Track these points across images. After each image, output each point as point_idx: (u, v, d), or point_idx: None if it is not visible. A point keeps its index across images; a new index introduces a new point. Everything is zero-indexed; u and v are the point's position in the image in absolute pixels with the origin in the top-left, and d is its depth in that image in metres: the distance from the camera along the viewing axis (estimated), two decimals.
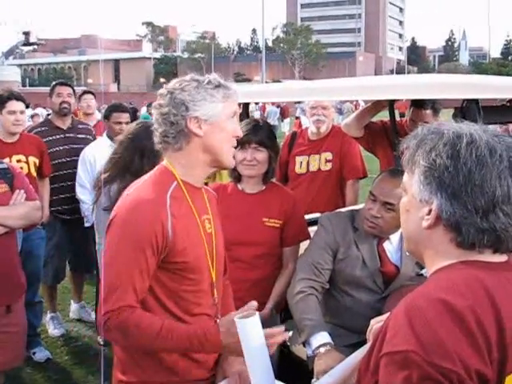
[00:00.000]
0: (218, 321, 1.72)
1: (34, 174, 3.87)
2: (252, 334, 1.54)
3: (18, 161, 3.75)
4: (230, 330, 1.58)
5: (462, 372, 0.92)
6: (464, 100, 2.26)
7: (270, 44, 78.64)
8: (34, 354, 3.88)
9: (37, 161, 3.87)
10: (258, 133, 2.53)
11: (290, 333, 2.67)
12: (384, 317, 1.35)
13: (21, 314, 2.83)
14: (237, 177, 2.62)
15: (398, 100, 3.18)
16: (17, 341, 2.78)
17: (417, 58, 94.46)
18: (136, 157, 2.78)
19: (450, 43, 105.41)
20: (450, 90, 2.16)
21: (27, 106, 4.00)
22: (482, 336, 0.95)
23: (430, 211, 1.07)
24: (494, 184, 1.02)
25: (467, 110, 2.20)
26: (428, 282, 1.09)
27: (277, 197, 2.64)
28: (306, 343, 2.19)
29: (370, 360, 1.05)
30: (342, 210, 3.02)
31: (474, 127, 1.08)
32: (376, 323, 1.47)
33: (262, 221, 2.58)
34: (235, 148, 2.37)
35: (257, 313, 1.57)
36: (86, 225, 3.89)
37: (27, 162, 3.81)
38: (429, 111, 3.23)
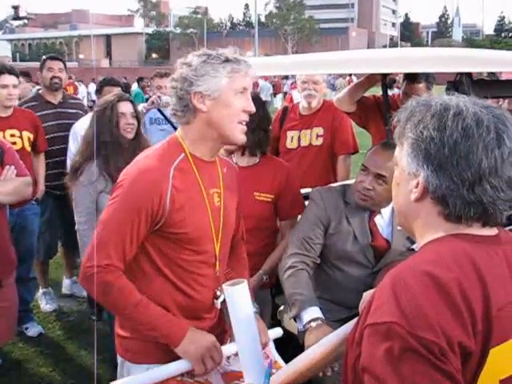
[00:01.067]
0: (190, 327, 1.75)
1: (28, 148, 3.84)
2: (239, 301, 1.56)
3: (12, 135, 3.72)
4: (194, 341, 1.72)
5: (444, 344, 0.92)
6: (457, 74, 2.25)
7: (262, 19, 77.73)
8: (26, 329, 3.89)
9: (31, 136, 3.84)
10: None
11: (282, 307, 2.69)
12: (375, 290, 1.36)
13: (12, 289, 2.83)
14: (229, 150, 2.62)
15: (390, 74, 3.16)
16: (8, 316, 2.79)
17: (410, 34, 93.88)
18: (105, 128, 2.84)
19: (443, 19, 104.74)
20: (444, 63, 2.14)
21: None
22: (466, 309, 0.95)
23: (418, 184, 1.07)
24: (480, 156, 1.01)
25: (460, 83, 2.19)
26: (416, 254, 1.09)
27: (270, 170, 2.63)
28: (296, 318, 2.19)
29: (356, 331, 1.06)
30: (334, 184, 3.02)
31: (464, 99, 1.07)
32: (368, 296, 1.47)
33: (252, 195, 2.59)
34: None
35: (245, 281, 1.60)
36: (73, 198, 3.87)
37: (21, 137, 3.78)
38: (422, 85, 3.22)
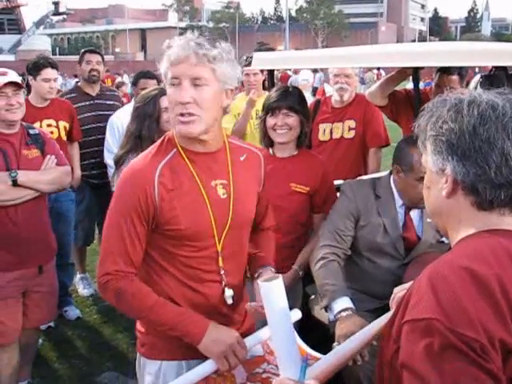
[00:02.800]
0: (211, 324, 1.69)
1: (64, 138, 3.95)
2: (275, 297, 1.53)
3: (49, 125, 3.83)
4: (216, 338, 1.66)
5: (485, 341, 0.91)
6: (492, 67, 2.23)
7: (293, 14, 77.16)
8: (65, 312, 4.04)
9: (67, 125, 3.94)
10: (288, 98, 2.54)
11: (312, 297, 2.73)
12: (407, 285, 1.35)
13: (52, 274, 2.95)
14: (268, 143, 2.65)
15: (422, 68, 3.13)
16: (49, 300, 2.92)
17: (439, 29, 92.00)
18: (146, 122, 2.86)
19: (472, 14, 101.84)
20: (479, 57, 2.12)
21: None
22: (506, 304, 0.94)
23: (447, 180, 1.07)
24: (500, 137, 1.01)
25: (495, 77, 2.17)
26: (453, 250, 1.09)
27: (306, 163, 2.63)
28: (327, 308, 2.22)
29: (392, 327, 1.06)
30: (364, 177, 3.03)
31: (478, 91, 1.09)
32: (399, 291, 1.47)
33: (288, 185, 2.59)
34: (267, 115, 2.45)
35: (280, 276, 1.56)
36: (114, 189, 3.96)
37: (57, 127, 3.89)
38: (455, 77, 3.18)
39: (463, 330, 0.91)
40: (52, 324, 3.74)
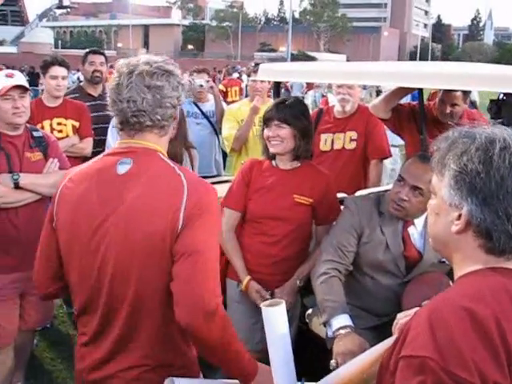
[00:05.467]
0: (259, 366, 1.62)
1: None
2: (277, 322, 1.54)
3: (59, 123, 3.83)
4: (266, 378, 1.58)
5: (479, 383, 0.91)
6: (500, 93, 2.22)
7: (296, 16, 77.26)
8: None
9: (76, 124, 3.89)
10: (282, 110, 2.55)
11: (310, 310, 2.72)
12: (411, 312, 1.34)
13: None
14: (270, 155, 2.65)
15: None
16: (45, 302, 2.88)
17: (441, 36, 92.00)
18: None
19: (475, 22, 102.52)
20: (487, 82, 2.09)
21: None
22: (503, 346, 0.94)
23: (460, 216, 1.06)
24: None
25: (503, 103, 2.16)
26: (453, 286, 1.09)
27: (309, 175, 2.63)
28: (326, 324, 2.20)
29: (390, 359, 1.06)
30: (368, 191, 3.02)
31: (508, 132, 1.06)
32: (402, 318, 1.45)
33: (292, 197, 2.58)
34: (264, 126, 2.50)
35: (283, 302, 1.55)
36: None
37: (66, 125, 3.86)
38: (459, 93, 3.16)
39: (457, 370, 0.91)
40: (48, 324, 3.72)
